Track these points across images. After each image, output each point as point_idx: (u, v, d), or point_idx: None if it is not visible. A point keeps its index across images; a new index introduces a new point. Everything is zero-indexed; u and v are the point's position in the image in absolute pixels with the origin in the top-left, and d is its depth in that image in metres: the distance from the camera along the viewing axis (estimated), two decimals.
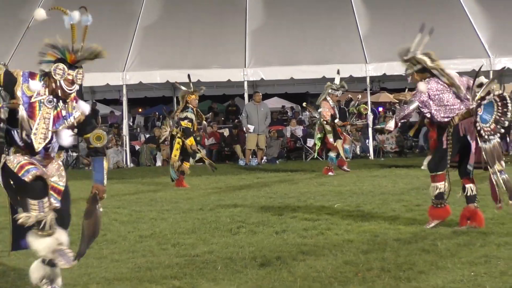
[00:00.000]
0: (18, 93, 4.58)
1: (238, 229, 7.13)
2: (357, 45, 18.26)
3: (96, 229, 4.83)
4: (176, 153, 11.79)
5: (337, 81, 13.54)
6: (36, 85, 4.62)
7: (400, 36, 16.13)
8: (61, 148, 4.78)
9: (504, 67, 8.20)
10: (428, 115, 6.87)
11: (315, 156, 14.55)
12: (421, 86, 6.84)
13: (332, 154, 13.64)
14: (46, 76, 4.67)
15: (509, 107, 6.63)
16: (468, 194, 6.87)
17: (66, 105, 4.73)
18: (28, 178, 4.49)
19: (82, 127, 4.82)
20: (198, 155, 12.42)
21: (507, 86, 20.33)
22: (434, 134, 7.01)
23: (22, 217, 4.54)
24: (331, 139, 13.44)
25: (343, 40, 18.63)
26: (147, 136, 20.60)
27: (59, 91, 4.65)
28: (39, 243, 4.59)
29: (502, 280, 4.72)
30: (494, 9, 18.84)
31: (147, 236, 6.91)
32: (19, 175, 4.52)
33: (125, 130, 18.51)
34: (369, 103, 18.16)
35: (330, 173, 13.43)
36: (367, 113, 17.05)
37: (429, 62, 6.87)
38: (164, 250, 6.20)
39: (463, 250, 5.70)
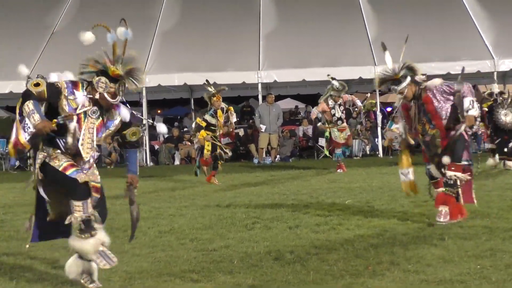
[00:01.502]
0: (65, 106, 4.62)
1: (253, 224, 7.22)
2: (366, 48, 18.38)
3: (138, 213, 5.03)
4: (208, 148, 12.12)
5: (336, 84, 13.55)
6: (82, 98, 4.64)
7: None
8: None
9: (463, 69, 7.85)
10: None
11: (326, 154, 14.81)
12: (436, 80, 6.74)
13: (338, 151, 13.79)
14: (89, 86, 4.71)
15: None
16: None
17: (109, 114, 4.81)
18: (80, 178, 4.57)
19: (121, 130, 4.94)
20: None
21: (509, 87, 20.79)
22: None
23: (68, 219, 4.61)
24: (335, 139, 13.60)
25: (352, 43, 18.77)
26: (166, 136, 20.61)
27: (102, 101, 4.71)
28: (82, 246, 4.63)
29: (507, 272, 4.77)
30: (497, 12, 18.93)
31: (166, 231, 7.00)
32: (67, 173, 4.59)
33: None
34: (377, 103, 18.37)
35: (339, 170, 13.57)
36: (375, 110, 17.39)
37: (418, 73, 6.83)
38: (182, 245, 6.28)
39: (469, 244, 5.74)
